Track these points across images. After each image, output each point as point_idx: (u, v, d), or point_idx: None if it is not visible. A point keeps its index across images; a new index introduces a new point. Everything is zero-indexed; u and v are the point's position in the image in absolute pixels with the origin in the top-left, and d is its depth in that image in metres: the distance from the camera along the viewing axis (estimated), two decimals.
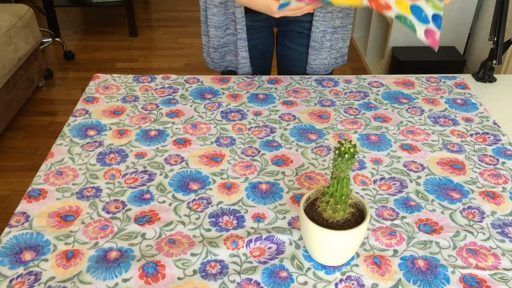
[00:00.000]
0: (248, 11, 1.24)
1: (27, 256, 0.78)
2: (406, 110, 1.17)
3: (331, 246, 0.74)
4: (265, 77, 1.29)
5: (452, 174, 0.97)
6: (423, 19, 0.94)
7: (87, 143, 1.04)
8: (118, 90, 1.23)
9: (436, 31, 0.93)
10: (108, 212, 0.87)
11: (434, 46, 0.92)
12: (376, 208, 0.89)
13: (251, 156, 1.01)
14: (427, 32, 0.93)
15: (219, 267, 0.77)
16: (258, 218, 0.87)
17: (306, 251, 0.80)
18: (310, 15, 1.26)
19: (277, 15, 1.05)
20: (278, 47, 1.40)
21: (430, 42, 0.93)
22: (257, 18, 1.30)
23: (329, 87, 1.26)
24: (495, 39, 1.27)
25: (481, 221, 0.86)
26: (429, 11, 0.96)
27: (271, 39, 1.40)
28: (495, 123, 1.13)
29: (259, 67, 1.39)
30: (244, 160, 1.00)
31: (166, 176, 0.95)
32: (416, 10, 0.94)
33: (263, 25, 1.33)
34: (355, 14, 3.37)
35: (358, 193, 0.92)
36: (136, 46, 3.43)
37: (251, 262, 0.78)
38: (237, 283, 0.75)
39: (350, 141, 0.70)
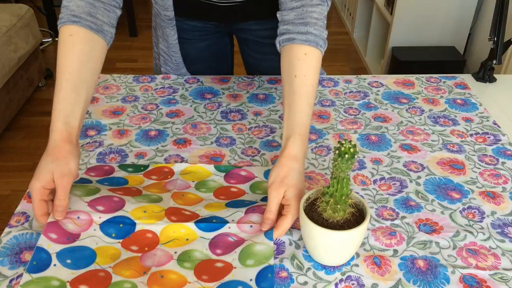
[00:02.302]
0: (194, 17, 1.21)
1: (27, 256, 0.78)
2: (406, 110, 1.17)
3: (331, 246, 0.74)
4: (265, 77, 1.29)
5: (452, 174, 0.97)
6: None
7: (87, 143, 1.04)
8: (118, 90, 1.23)
9: None
10: None
11: None
12: (376, 208, 0.89)
13: (251, 156, 1.01)
14: None
15: None
16: None
17: (306, 251, 0.80)
18: (258, 24, 1.23)
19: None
20: (241, 54, 1.37)
21: None
22: (207, 22, 1.25)
23: (329, 87, 1.26)
24: (495, 39, 1.27)
25: (481, 221, 0.86)
26: (250, 275, 0.73)
27: (225, 42, 1.34)
28: (495, 123, 1.13)
29: (214, 68, 1.34)
30: (244, 160, 1.00)
31: None
32: None
33: (213, 28, 1.28)
34: (355, 14, 3.37)
35: (358, 193, 0.92)
36: (136, 46, 3.43)
37: None
38: None
39: (350, 141, 0.70)
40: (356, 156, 0.70)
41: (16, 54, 2.44)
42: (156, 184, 0.90)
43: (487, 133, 1.09)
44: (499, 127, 1.11)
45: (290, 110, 0.86)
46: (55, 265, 0.73)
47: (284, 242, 0.82)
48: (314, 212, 0.75)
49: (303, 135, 0.85)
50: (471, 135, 1.09)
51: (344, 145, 0.69)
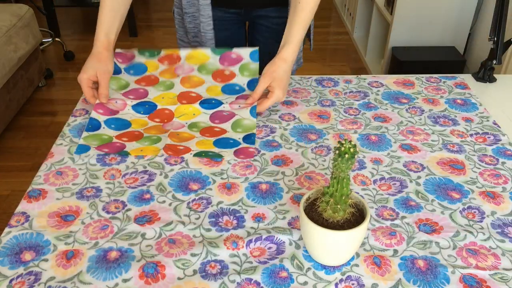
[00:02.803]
0: (217, 4, 1.27)
1: (27, 256, 0.78)
2: (406, 110, 1.17)
3: (331, 246, 0.74)
4: None
5: (452, 174, 0.97)
6: (231, 144, 1.02)
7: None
8: None
9: (249, 146, 1.02)
10: (108, 212, 0.87)
11: (249, 157, 1.00)
12: (376, 208, 0.89)
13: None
14: (238, 151, 1.01)
15: (219, 267, 0.77)
16: (258, 218, 0.87)
17: (306, 251, 0.80)
18: (278, 10, 1.30)
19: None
20: (249, 39, 1.43)
21: (242, 157, 1.00)
22: (228, 11, 1.32)
23: (329, 87, 1.26)
24: (495, 39, 1.27)
25: (481, 221, 0.86)
26: (239, 136, 1.05)
27: (242, 34, 1.42)
28: (495, 123, 1.13)
29: None
30: (244, 160, 1.00)
31: (166, 176, 0.95)
32: (220, 142, 1.03)
33: (233, 18, 1.35)
34: (355, 14, 3.37)
35: (358, 193, 0.92)
36: (136, 46, 3.43)
37: (251, 262, 0.78)
38: (237, 283, 0.75)
39: (350, 141, 0.70)
40: (356, 156, 0.70)
41: (16, 54, 2.44)
42: (168, 69, 1.20)
43: (487, 133, 1.09)
44: (499, 127, 1.11)
45: (290, 27, 1.13)
46: (104, 128, 1.07)
47: (284, 242, 0.82)
48: (314, 212, 0.75)
49: (295, 45, 1.13)
50: (471, 135, 1.09)
51: (344, 145, 0.69)
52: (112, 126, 1.07)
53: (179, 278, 0.76)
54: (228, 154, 1.00)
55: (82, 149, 1.01)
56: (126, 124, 1.08)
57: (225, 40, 1.36)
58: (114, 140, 1.03)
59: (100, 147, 1.01)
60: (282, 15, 1.30)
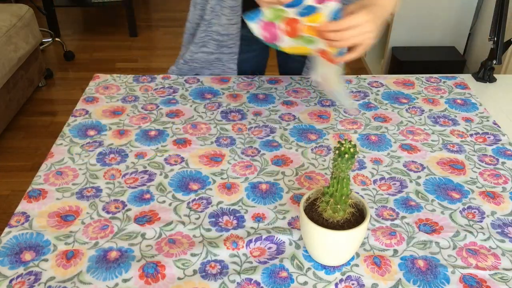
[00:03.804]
0: (244, 24, 1.21)
1: (27, 256, 0.78)
2: (406, 110, 1.17)
3: (331, 246, 0.74)
4: (265, 77, 1.29)
5: (452, 174, 0.97)
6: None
7: (87, 143, 1.04)
8: (118, 90, 1.23)
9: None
10: (108, 212, 0.87)
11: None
12: (376, 208, 0.89)
13: (251, 156, 1.01)
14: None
15: (219, 267, 0.77)
16: (258, 218, 0.87)
17: (306, 251, 0.80)
18: None
19: None
20: (279, 59, 1.39)
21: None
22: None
23: None
24: (495, 39, 1.27)
25: (481, 221, 0.87)
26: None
27: (266, 53, 1.37)
28: (495, 123, 1.13)
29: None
30: (244, 160, 1.00)
31: (166, 176, 0.95)
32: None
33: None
34: None
35: (358, 193, 0.92)
36: (136, 46, 3.43)
37: (251, 262, 0.78)
38: (237, 283, 0.75)
39: (350, 141, 0.70)
40: (356, 156, 0.70)
41: (16, 54, 2.44)
42: None
43: (487, 133, 1.09)
44: (499, 127, 1.11)
45: None
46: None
47: (284, 242, 0.82)
48: (314, 212, 0.75)
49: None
50: (471, 135, 1.09)
51: (344, 145, 0.69)
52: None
53: (179, 278, 0.76)
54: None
55: (255, 16, 0.93)
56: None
57: (248, 61, 1.30)
58: (281, 24, 0.93)
59: (267, 24, 0.94)
60: None
